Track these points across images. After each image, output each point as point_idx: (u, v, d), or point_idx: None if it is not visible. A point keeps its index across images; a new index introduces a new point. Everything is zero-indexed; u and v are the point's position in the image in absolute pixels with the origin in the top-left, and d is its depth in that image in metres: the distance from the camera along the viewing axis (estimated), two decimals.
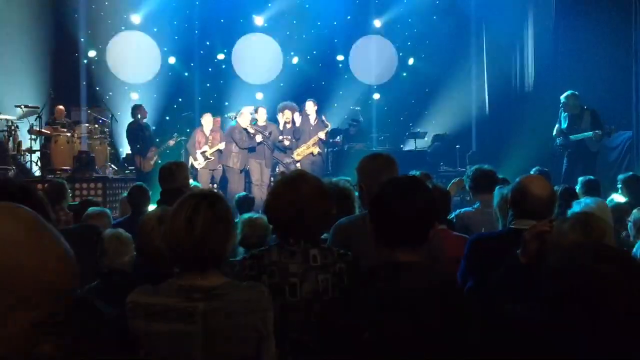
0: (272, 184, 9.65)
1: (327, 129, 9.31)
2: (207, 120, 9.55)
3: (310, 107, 9.34)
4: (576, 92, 8.64)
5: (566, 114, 8.66)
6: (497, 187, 3.32)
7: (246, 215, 4.16)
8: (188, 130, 11.09)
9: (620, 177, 5.64)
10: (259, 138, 8.90)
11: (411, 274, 1.73)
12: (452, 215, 4.17)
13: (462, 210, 4.30)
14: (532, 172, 5.71)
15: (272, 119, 10.16)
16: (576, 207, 3.36)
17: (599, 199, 3.66)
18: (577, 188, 5.04)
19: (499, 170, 5.10)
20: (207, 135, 9.44)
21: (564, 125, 8.64)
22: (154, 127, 11.17)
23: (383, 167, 2.72)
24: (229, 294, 1.93)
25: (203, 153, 9.27)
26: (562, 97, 8.68)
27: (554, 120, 9.18)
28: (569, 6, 10.49)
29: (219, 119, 10.47)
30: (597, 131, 8.36)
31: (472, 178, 4.24)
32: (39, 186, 9.30)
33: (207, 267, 1.94)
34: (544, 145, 9.55)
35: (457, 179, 4.96)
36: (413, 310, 1.67)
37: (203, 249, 1.90)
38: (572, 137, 8.51)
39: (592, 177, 5.22)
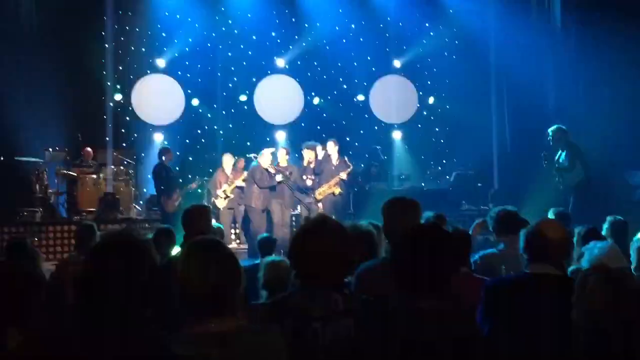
0: (293, 224, 9.68)
1: (349, 169, 9.35)
2: (228, 160, 9.68)
3: (332, 147, 9.41)
4: (563, 127, 8.81)
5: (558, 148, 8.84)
6: (522, 230, 3.32)
7: (269, 259, 4.18)
8: (211, 170, 11.23)
9: None
10: (279, 177, 8.97)
11: (431, 321, 1.74)
12: (476, 256, 4.14)
13: (486, 252, 4.27)
14: (549, 214, 5.68)
15: (293, 158, 10.25)
16: (586, 254, 3.31)
17: (610, 244, 3.60)
18: (604, 229, 4.95)
19: (521, 208, 5.08)
20: (228, 175, 9.56)
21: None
22: (177, 168, 11.34)
23: (402, 211, 2.77)
24: (243, 338, 1.93)
25: (223, 192, 9.37)
26: (549, 131, 8.84)
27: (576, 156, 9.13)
28: (591, 39, 10.50)
29: (242, 160, 10.59)
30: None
31: (496, 219, 4.23)
32: (66, 227, 9.49)
33: (223, 312, 1.94)
34: None
35: (480, 219, 4.95)
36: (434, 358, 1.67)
37: (217, 294, 1.91)
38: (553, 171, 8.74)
39: (620, 217, 5.11)
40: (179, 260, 2.01)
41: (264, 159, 9.06)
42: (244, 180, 9.39)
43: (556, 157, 8.76)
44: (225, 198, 9.38)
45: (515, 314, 2.27)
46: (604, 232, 4.87)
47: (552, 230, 2.58)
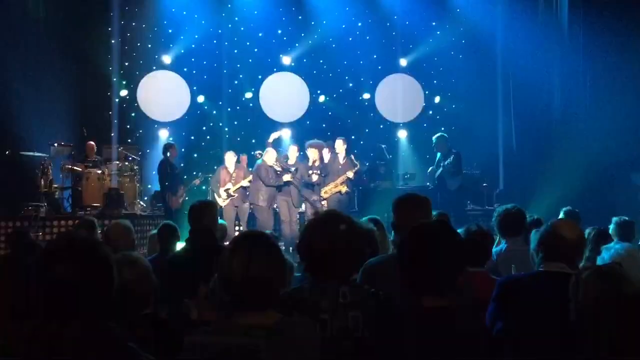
0: (299, 221, 9.68)
1: (355, 168, 9.33)
2: (230, 158, 9.67)
3: (340, 145, 9.40)
4: (445, 135, 9.84)
5: (439, 154, 9.72)
6: (534, 230, 3.33)
7: None
8: (215, 167, 11.22)
9: None
10: (287, 177, 8.96)
11: (435, 318, 1.72)
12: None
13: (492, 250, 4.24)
14: (561, 212, 5.68)
15: (299, 157, 10.22)
16: (605, 253, 3.34)
17: (629, 245, 3.60)
18: (611, 229, 4.92)
19: (527, 209, 5.06)
20: (231, 172, 9.54)
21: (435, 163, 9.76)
22: (182, 165, 11.33)
23: (415, 208, 2.78)
24: (287, 329, 1.98)
25: (226, 190, 9.35)
26: (434, 138, 9.81)
27: (583, 156, 9.13)
28: (598, 39, 10.46)
29: (245, 156, 10.57)
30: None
31: (500, 219, 4.21)
32: (70, 223, 9.50)
33: (265, 306, 1.98)
34: (573, 182, 9.47)
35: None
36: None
37: (260, 288, 1.95)
38: (436, 174, 9.65)
39: (626, 218, 5.09)
40: (225, 253, 2.03)
41: (269, 156, 9.04)
42: (249, 181, 9.37)
43: (441, 162, 9.65)
44: (227, 197, 9.35)
45: (528, 311, 2.28)
46: (610, 232, 4.84)
47: (568, 230, 2.62)
